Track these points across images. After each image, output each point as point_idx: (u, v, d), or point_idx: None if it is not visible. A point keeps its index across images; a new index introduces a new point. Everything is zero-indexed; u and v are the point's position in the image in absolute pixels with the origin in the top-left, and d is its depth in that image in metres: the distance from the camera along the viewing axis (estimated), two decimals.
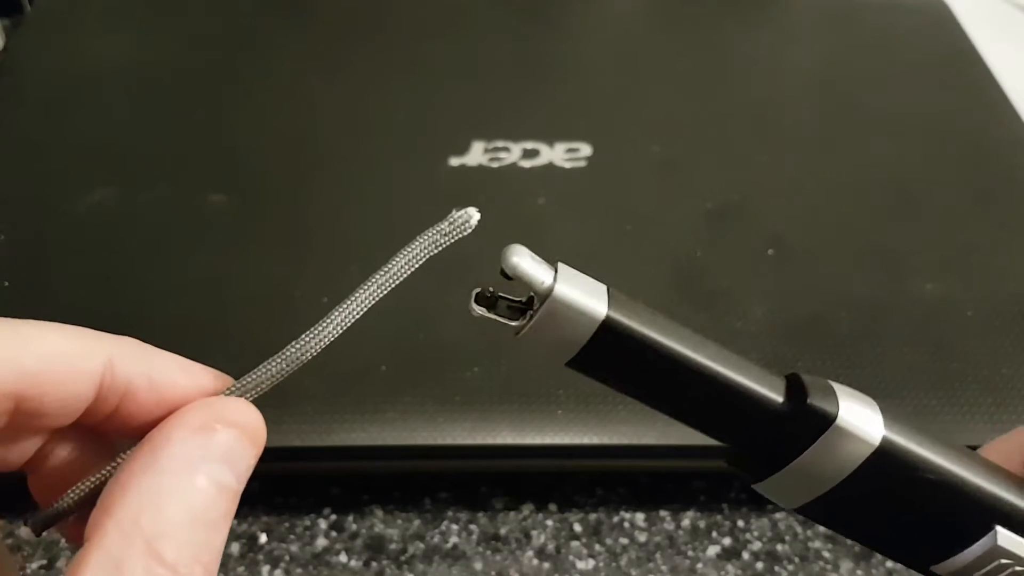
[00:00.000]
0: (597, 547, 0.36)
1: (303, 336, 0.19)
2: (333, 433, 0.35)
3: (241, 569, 0.35)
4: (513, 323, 0.19)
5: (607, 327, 0.18)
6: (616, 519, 0.37)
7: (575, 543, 0.36)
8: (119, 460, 0.19)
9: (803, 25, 0.59)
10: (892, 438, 0.19)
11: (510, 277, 0.19)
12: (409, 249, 0.19)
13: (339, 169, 0.46)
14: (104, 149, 0.47)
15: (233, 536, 0.36)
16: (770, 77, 0.54)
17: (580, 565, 0.36)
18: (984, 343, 0.39)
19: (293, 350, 0.19)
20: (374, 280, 0.19)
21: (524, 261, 0.18)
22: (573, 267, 0.19)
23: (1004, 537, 0.20)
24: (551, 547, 0.36)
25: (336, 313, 0.19)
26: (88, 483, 0.20)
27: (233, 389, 0.20)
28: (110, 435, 0.20)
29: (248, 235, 0.42)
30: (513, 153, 0.47)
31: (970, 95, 0.53)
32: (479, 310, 0.19)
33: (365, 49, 0.54)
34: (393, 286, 0.19)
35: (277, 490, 0.37)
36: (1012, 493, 0.20)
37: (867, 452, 0.19)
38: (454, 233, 0.19)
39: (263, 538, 0.36)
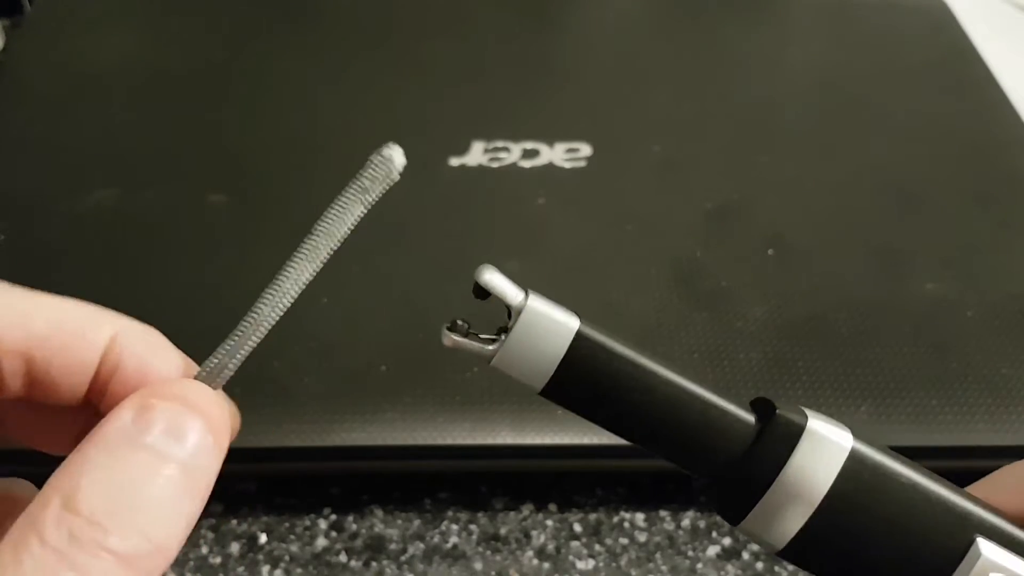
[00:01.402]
0: (597, 547, 0.36)
1: (250, 312, 0.20)
2: (333, 433, 0.35)
3: (241, 569, 0.35)
4: (487, 347, 0.19)
5: (581, 339, 0.19)
6: (616, 519, 0.37)
7: (575, 543, 0.36)
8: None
9: (803, 25, 0.59)
10: (862, 447, 0.20)
11: (483, 295, 0.19)
12: (335, 213, 0.19)
13: (339, 169, 0.46)
14: (104, 149, 0.47)
15: (233, 536, 0.36)
16: (770, 77, 0.54)
17: (580, 565, 0.36)
18: (984, 343, 0.39)
19: (239, 332, 0.19)
20: (301, 256, 0.20)
21: (497, 276, 0.19)
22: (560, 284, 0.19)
23: (988, 548, 0.20)
24: (551, 547, 0.36)
25: (268, 294, 0.20)
26: None
27: (200, 372, 0.20)
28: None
29: (248, 235, 0.42)
30: (513, 153, 0.47)
31: (970, 95, 0.53)
32: (453, 337, 0.19)
33: (365, 49, 0.54)
34: (325, 256, 0.19)
35: (277, 490, 0.37)
36: (987, 508, 0.20)
37: (842, 458, 0.19)
38: (377, 170, 0.19)
39: (263, 538, 0.36)
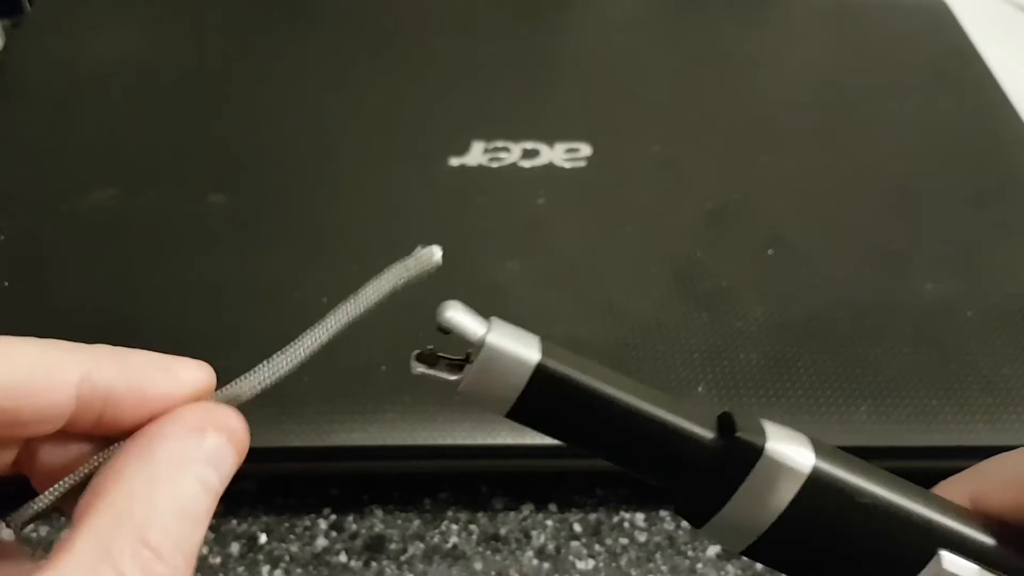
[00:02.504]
0: (597, 547, 0.36)
1: (274, 356, 0.21)
2: (333, 433, 0.35)
3: (241, 569, 0.35)
4: (452, 378, 0.20)
5: (541, 372, 0.19)
6: (616, 519, 0.37)
7: (575, 543, 0.36)
8: (99, 458, 0.20)
9: (803, 25, 0.59)
10: (823, 467, 0.20)
11: (447, 331, 0.19)
12: (376, 282, 0.21)
13: (339, 169, 0.46)
14: (104, 149, 0.47)
15: (233, 536, 0.36)
16: (770, 77, 0.54)
17: (580, 565, 0.36)
18: (984, 343, 0.39)
19: (266, 369, 0.21)
20: (342, 308, 0.21)
21: (458, 315, 0.19)
22: (513, 321, 0.20)
23: (949, 561, 0.20)
24: (551, 547, 0.36)
25: (306, 337, 0.21)
26: (70, 480, 0.20)
27: (219, 396, 0.21)
28: (103, 436, 0.21)
29: (248, 235, 0.42)
30: (513, 153, 0.47)
31: (970, 95, 0.53)
32: (420, 368, 0.20)
33: (365, 49, 0.54)
34: (359, 314, 0.21)
35: (277, 490, 0.37)
36: (952, 519, 0.20)
37: (800, 481, 0.19)
38: (416, 268, 0.21)
39: (263, 538, 0.36)
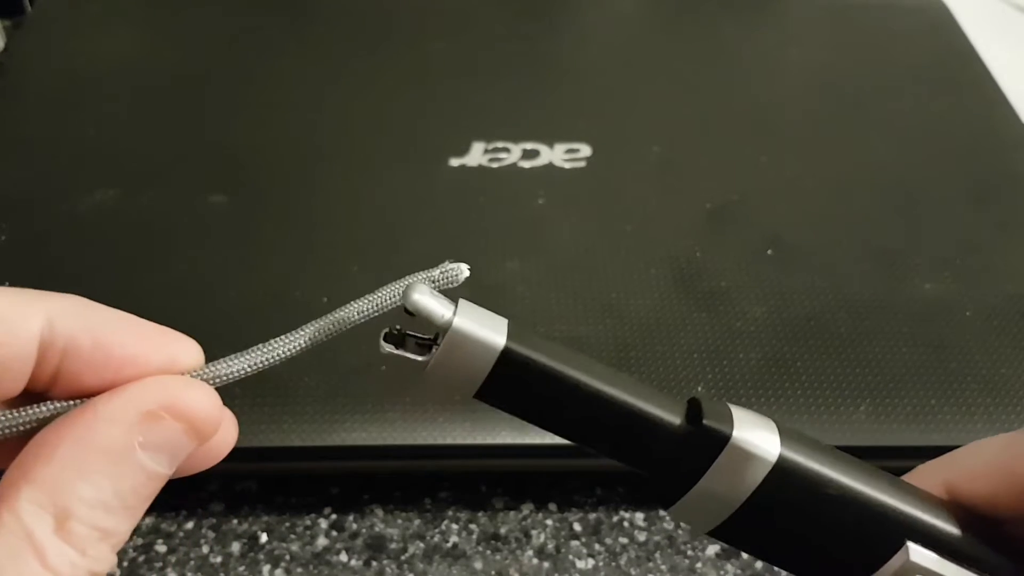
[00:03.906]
0: (597, 547, 0.36)
1: (283, 336, 0.20)
2: (333, 433, 0.35)
3: (242, 568, 0.35)
4: (420, 358, 0.20)
5: (506, 356, 0.19)
6: (616, 519, 0.37)
7: (575, 543, 0.36)
8: (51, 407, 0.18)
9: (802, 25, 0.59)
10: (790, 456, 0.20)
11: (412, 315, 0.19)
12: (397, 284, 0.20)
13: (339, 169, 0.46)
14: (104, 149, 0.47)
15: (233, 535, 0.36)
16: (770, 77, 0.54)
17: (580, 565, 0.36)
18: (983, 343, 0.39)
19: (272, 347, 0.20)
20: (360, 303, 0.20)
21: (424, 298, 0.19)
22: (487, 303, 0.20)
23: (916, 552, 0.20)
24: (551, 547, 0.36)
25: (319, 322, 0.20)
26: (7, 419, 0.18)
27: (199, 373, 0.19)
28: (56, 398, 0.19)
29: (248, 235, 0.42)
30: (513, 154, 0.47)
31: (969, 95, 0.53)
32: (388, 347, 0.20)
33: (365, 49, 0.54)
34: (377, 314, 0.20)
35: (277, 490, 0.37)
36: (922, 509, 0.20)
37: (765, 470, 0.20)
38: (442, 280, 0.20)
39: (264, 537, 0.36)
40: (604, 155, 0.47)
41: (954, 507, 0.21)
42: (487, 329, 0.19)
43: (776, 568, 0.21)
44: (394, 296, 0.20)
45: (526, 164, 0.46)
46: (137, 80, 0.51)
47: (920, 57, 0.56)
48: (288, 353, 0.20)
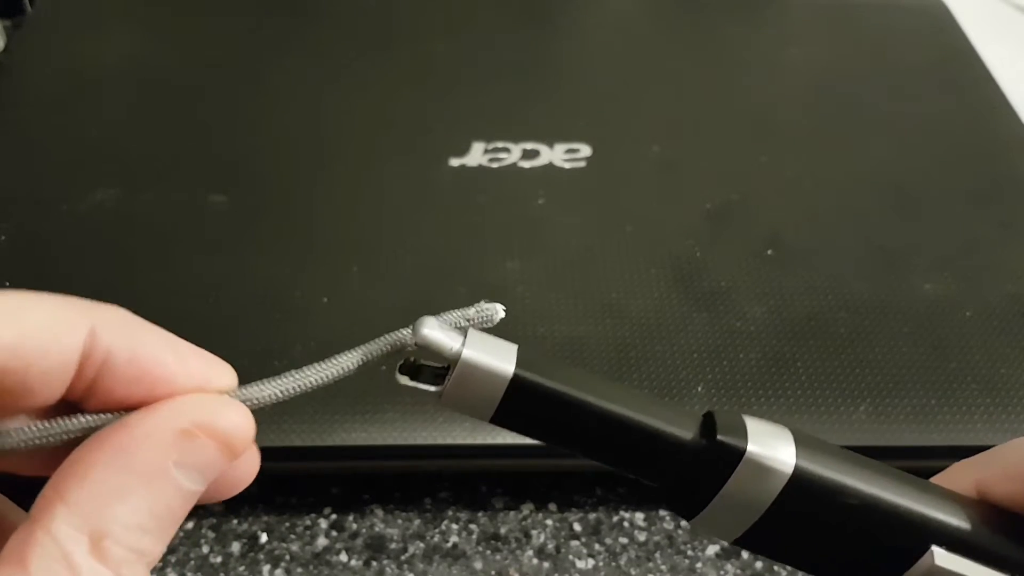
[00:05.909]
0: (597, 547, 0.36)
1: (316, 364, 0.20)
2: (333, 433, 0.35)
3: (242, 568, 0.35)
4: (433, 389, 0.20)
5: (517, 384, 0.20)
6: (616, 519, 0.37)
7: (575, 543, 0.36)
8: (83, 420, 0.18)
9: (802, 25, 0.59)
10: (806, 467, 0.20)
11: (423, 348, 0.20)
12: (438, 319, 0.20)
13: (339, 169, 0.46)
14: (104, 149, 0.47)
15: (234, 535, 0.36)
16: (769, 77, 0.54)
17: (580, 565, 0.36)
18: (983, 343, 0.39)
19: (304, 375, 0.20)
20: (393, 336, 0.20)
21: (432, 332, 0.20)
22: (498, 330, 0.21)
23: (941, 557, 0.20)
24: (551, 547, 0.36)
25: (349, 354, 0.21)
26: (41, 431, 0.18)
27: (232, 394, 0.20)
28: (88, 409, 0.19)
29: (248, 235, 0.42)
30: (513, 154, 0.47)
31: (969, 95, 0.53)
32: (403, 379, 0.20)
33: (365, 50, 0.54)
34: (403, 345, 0.20)
35: (277, 490, 0.37)
36: (947, 512, 0.20)
37: (781, 483, 0.20)
38: (477, 320, 0.21)
39: (264, 537, 0.36)
40: (604, 155, 0.47)
41: (985, 508, 0.21)
42: (496, 358, 0.20)
43: (792, 569, 0.21)
44: (431, 330, 0.20)
45: (526, 164, 0.46)
46: (137, 80, 0.51)
47: (920, 57, 0.56)
48: (320, 381, 0.20)
